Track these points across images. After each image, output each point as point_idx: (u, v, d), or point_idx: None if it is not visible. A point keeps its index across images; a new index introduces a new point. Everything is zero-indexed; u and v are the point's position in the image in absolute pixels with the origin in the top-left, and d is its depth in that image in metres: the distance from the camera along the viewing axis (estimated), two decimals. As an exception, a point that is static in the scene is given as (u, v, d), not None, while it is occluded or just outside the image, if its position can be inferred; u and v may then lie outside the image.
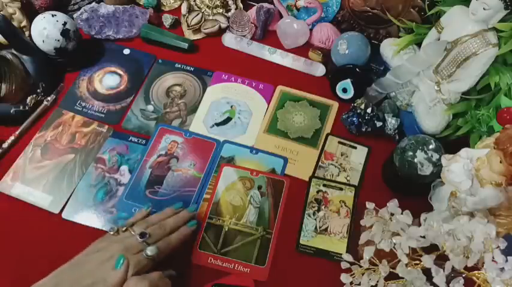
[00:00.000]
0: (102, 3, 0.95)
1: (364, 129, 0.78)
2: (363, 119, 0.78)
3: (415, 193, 0.70)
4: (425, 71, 0.78)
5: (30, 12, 0.87)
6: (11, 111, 0.79)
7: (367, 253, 0.53)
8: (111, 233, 0.59)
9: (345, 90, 0.84)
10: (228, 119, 0.83)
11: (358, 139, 0.80)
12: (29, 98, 0.80)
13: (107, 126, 0.80)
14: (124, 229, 0.60)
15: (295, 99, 0.85)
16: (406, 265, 0.51)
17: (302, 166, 0.77)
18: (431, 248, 0.51)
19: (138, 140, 0.79)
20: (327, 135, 0.81)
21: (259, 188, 0.74)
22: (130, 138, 0.79)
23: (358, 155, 0.78)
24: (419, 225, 0.53)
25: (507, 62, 0.69)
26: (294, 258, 0.68)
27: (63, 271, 0.54)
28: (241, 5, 0.96)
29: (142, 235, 0.58)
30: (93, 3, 0.94)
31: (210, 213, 0.71)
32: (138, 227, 0.60)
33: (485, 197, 0.56)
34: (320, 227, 0.71)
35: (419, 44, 0.80)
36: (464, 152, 0.60)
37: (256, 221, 0.71)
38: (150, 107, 0.84)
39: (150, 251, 0.56)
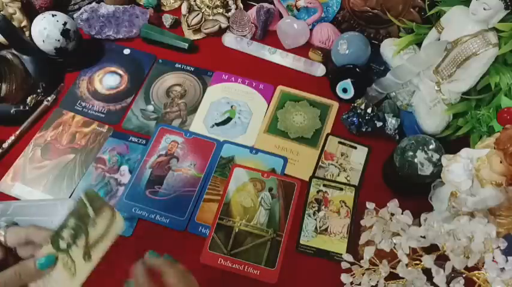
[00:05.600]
0: (102, 3, 0.95)
1: (364, 130, 0.78)
2: (363, 119, 0.78)
3: (415, 193, 0.70)
4: (425, 71, 0.78)
5: (30, 12, 0.87)
6: (11, 111, 0.79)
7: (368, 253, 0.53)
8: None
9: (345, 90, 0.84)
10: (228, 119, 0.83)
11: (358, 139, 0.80)
12: (29, 98, 0.80)
13: (107, 126, 0.80)
14: None
15: (295, 99, 0.85)
16: (407, 265, 0.51)
17: (302, 166, 0.77)
18: (432, 248, 0.51)
19: (138, 140, 0.79)
20: (327, 135, 0.81)
21: (270, 190, 0.74)
22: (130, 138, 0.79)
23: (358, 155, 0.78)
24: (420, 225, 0.53)
25: (507, 62, 0.69)
26: (294, 258, 0.68)
27: None
28: (241, 5, 0.96)
29: None
30: (93, 3, 0.94)
31: (221, 214, 0.71)
32: None
33: (486, 197, 0.56)
34: (320, 227, 0.71)
35: (419, 44, 0.80)
36: (464, 152, 0.60)
37: (267, 223, 0.71)
38: (150, 107, 0.84)
39: None
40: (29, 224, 0.47)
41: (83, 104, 0.83)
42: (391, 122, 0.78)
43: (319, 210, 0.72)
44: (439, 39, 0.75)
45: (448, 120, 0.77)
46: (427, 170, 0.67)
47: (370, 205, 0.56)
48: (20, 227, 0.47)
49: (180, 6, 0.97)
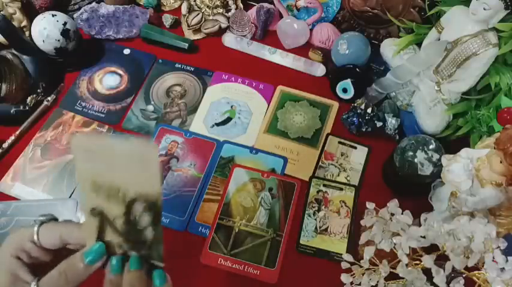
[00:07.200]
0: (102, 3, 0.95)
1: (364, 129, 0.78)
2: (363, 119, 0.78)
3: (415, 193, 0.70)
4: (425, 71, 0.78)
5: (30, 12, 0.87)
6: (11, 111, 0.79)
7: (368, 253, 0.53)
8: None
9: (345, 90, 0.84)
10: (228, 119, 0.83)
11: (358, 139, 0.80)
12: (29, 98, 0.80)
13: (107, 127, 0.80)
14: None
15: (295, 99, 0.85)
16: (407, 265, 0.51)
17: (302, 166, 0.77)
18: (432, 248, 0.51)
19: (138, 140, 0.79)
20: (327, 135, 0.81)
21: (270, 190, 0.74)
22: (130, 139, 0.79)
23: (358, 155, 0.78)
24: (420, 225, 0.53)
25: (507, 62, 0.69)
26: (294, 258, 0.68)
27: None
28: (241, 5, 0.96)
29: None
30: (93, 3, 0.94)
31: (221, 214, 0.71)
32: None
33: (486, 197, 0.56)
34: (320, 227, 0.71)
35: (419, 44, 0.80)
36: (464, 152, 0.60)
37: (267, 223, 0.71)
38: (150, 107, 0.84)
39: None
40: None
41: (83, 104, 0.83)
42: (391, 122, 0.78)
43: (319, 210, 0.72)
44: (439, 39, 0.75)
45: (448, 120, 0.77)
46: (427, 170, 0.67)
47: (370, 205, 0.56)
48: (54, 224, 0.37)
49: (180, 6, 0.97)
